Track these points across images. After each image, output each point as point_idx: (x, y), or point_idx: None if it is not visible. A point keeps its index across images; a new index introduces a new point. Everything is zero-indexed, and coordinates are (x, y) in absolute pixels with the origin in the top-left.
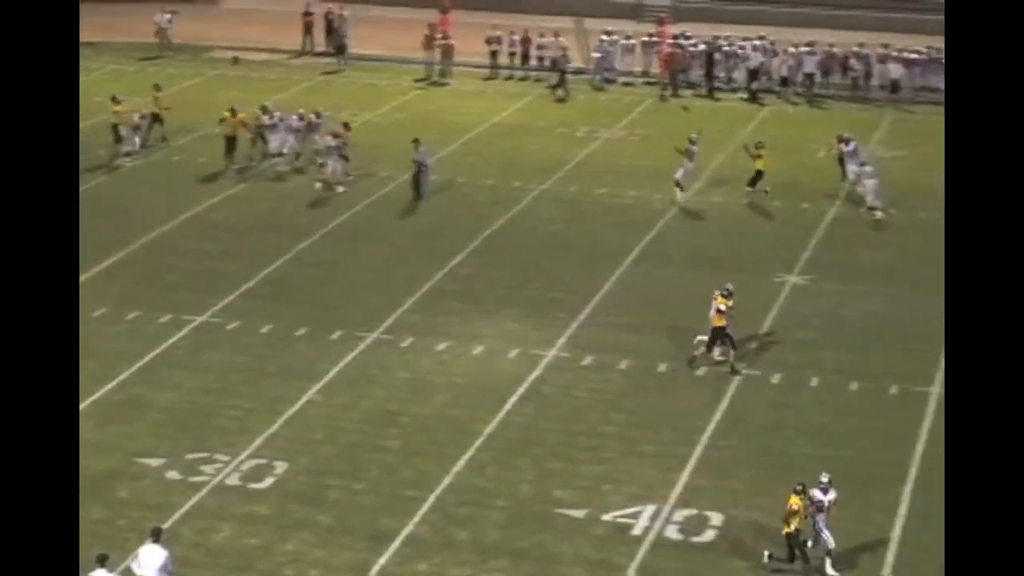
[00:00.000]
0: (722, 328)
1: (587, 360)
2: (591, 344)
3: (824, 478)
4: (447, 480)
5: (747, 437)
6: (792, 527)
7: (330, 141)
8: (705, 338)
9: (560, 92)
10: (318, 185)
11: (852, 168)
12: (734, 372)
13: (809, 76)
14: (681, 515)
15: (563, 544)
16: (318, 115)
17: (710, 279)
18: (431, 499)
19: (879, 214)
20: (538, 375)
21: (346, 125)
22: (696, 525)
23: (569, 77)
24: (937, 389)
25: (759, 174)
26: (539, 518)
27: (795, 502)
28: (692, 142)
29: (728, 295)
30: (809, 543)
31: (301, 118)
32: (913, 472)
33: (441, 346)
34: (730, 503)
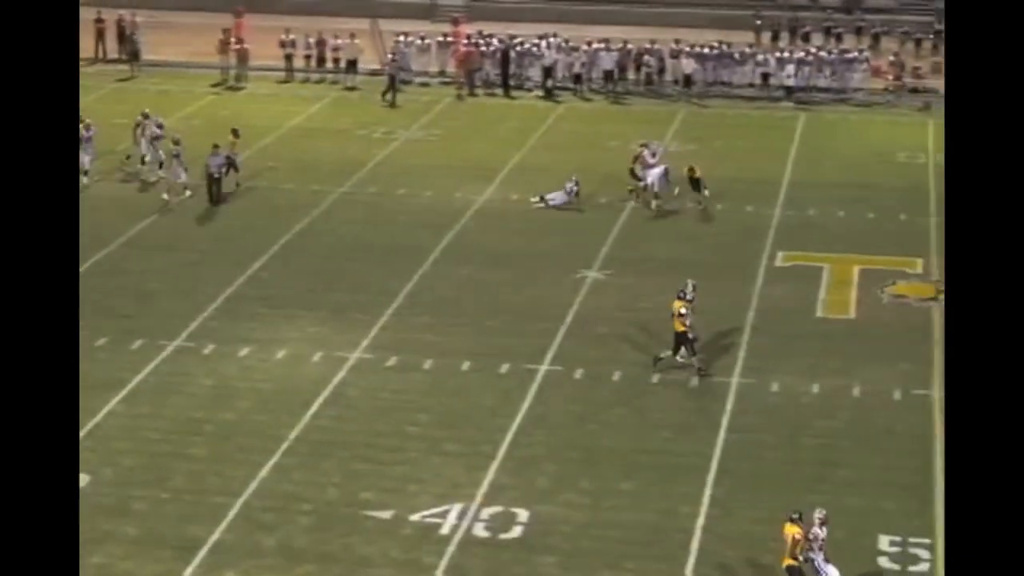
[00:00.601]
0: (683, 333)
1: (391, 361)
2: (394, 345)
3: (820, 513)
4: (253, 486)
5: (550, 433)
6: (796, 559)
7: (171, 148)
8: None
9: (389, 97)
10: (164, 195)
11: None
12: (702, 374)
13: (609, 73)
14: (488, 513)
15: (371, 546)
16: (145, 116)
17: (511, 277)
18: (238, 505)
19: (655, 203)
20: (342, 378)
21: (235, 132)
22: (503, 522)
23: (361, 78)
24: (736, 379)
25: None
26: (346, 521)
27: (796, 531)
28: (576, 183)
29: (683, 296)
30: None
31: (160, 125)
32: (715, 462)
33: (244, 352)
34: (536, 499)
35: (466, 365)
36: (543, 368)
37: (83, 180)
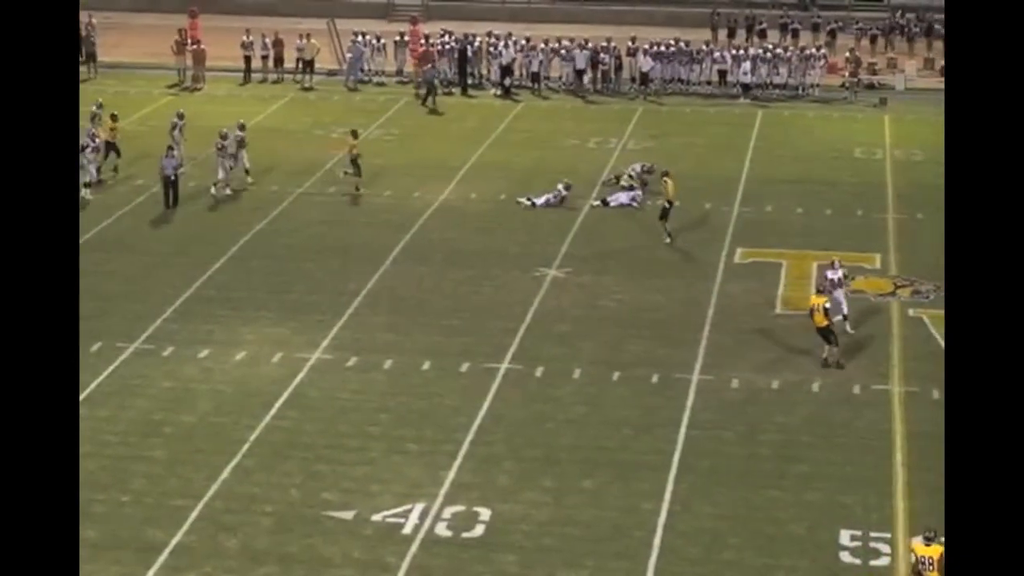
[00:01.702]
0: (826, 327)
1: (351, 361)
2: (354, 345)
3: None
4: (214, 488)
5: (511, 431)
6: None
7: (219, 142)
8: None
9: (430, 102)
10: (212, 190)
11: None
12: (839, 367)
13: (580, 72)
14: (449, 512)
15: (333, 546)
16: (181, 116)
17: (471, 276)
18: (199, 508)
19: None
20: (302, 378)
21: (354, 133)
22: (465, 521)
23: (318, 78)
24: (696, 376)
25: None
26: (308, 521)
27: (937, 550)
28: (568, 186)
29: (822, 291)
30: None
31: (243, 127)
32: (676, 458)
33: (203, 353)
34: (497, 498)
35: (426, 364)
36: (503, 367)
37: (85, 193)
